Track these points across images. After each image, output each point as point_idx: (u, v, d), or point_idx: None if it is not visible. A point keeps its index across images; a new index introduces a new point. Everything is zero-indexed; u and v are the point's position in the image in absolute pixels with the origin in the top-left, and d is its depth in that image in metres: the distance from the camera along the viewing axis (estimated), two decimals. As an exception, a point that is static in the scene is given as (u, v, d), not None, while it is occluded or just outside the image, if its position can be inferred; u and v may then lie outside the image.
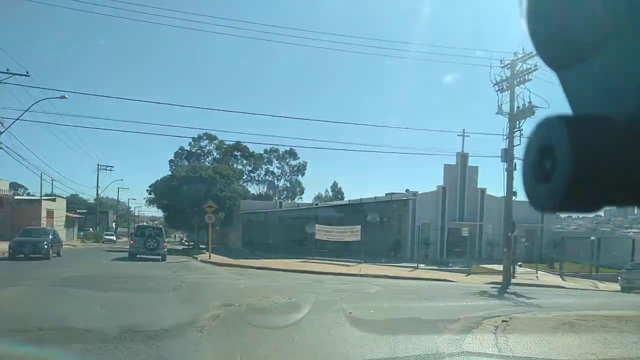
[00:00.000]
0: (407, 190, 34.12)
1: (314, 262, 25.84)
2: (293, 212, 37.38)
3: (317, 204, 45.75)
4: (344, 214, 31.79)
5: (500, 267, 29.98)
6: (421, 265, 26.93)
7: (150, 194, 39.47)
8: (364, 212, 31.59)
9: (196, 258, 28.24)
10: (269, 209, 38.46)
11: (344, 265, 24.94)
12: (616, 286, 26.57)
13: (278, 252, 31.04)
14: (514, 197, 24.37)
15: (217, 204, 36.23)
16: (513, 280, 23.45)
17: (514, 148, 24.21)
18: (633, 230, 43.43)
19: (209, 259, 25.70)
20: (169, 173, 39.38)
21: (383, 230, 32.60)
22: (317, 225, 27.59)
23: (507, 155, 24.21)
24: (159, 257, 24.76)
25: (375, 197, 35.91)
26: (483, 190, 35.86)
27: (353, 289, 15.19)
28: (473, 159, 37.23)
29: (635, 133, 0.49)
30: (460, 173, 35.12)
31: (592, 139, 0.50)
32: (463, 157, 35.41)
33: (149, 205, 43.70)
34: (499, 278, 24.08)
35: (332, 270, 21.92)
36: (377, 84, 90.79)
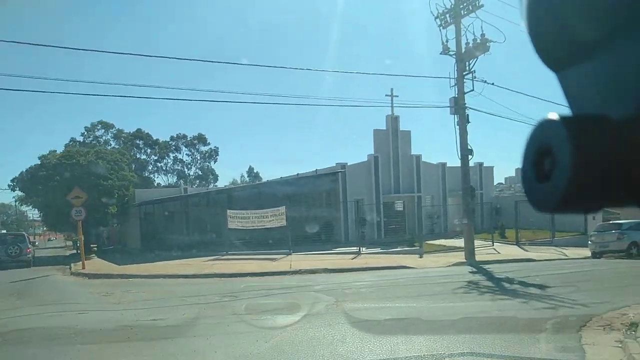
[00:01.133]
0: (336, 164, 28.63)
1: (228, 260, 19.57)
2: (201, 198, 30.28)
3: (231, 187, 38.81)
4: (263, 196, 25.60)
5: (448, 242, 25.84)
6: (362, 249, 21.61)
7: (13, 189, 30.91)
8: (286, 192, 25.63)
9: (70, 268, 20.78)
10: (171, 197, 30.92)
11: (268, 259, 18.94)
12: (584, 251, 23.08)
13: (186, 250, 24.21)
14: (469, 158, 19.61)
15: (104, 194, 28.66)
16: (477, 258, 18.84)
17: (466, 95, 19.42)
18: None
19: (83, 269, 18.52)
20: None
21: (311, 212, 26.94)
22: (229, 211, 21.22)
23: (457, 105, 19.33)
24: (24, 263, 23.10)
25: (298, 174, 30.09)
26: (418, 157, 31.32)
27: (286, 305, 9.26)
28: (408, 121, 32.37)
29: (636, 133, 0.49)
30: (392, 139, 30.24)
31: (592, 139, 0.49)
32: (394, 120, 30.49)
33: (20, 204, 34.77)
34: (458, 256, 19.39)
35: (252, 270, 15.83)
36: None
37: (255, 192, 27.46)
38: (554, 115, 0.52)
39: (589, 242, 21.62)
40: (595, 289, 10.60)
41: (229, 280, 13.93)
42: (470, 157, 19.53)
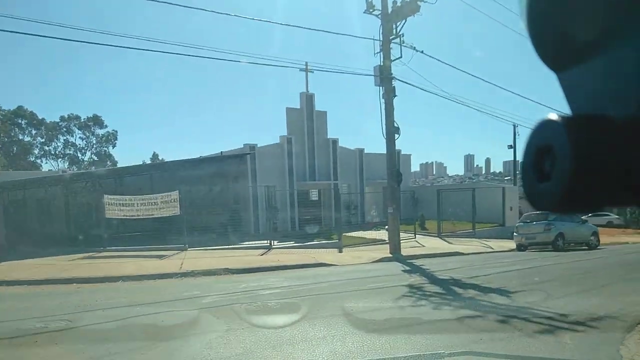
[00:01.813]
0: (244, 146, 25.03)
1: (104, 258, 15.43)
2: (84, 182, 25.08)
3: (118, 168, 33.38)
4: (162, 181, 21.31)
5: (367, 234, 23.43)
6: (274, 242, 18.41)
7: None
8: (187, 176, 21.65)
9: None
10: (39, 178, 25.16)
11: (155, 257, 15.10)
12: (506, 243, 21.69)
13: (59, 245, 19.39)
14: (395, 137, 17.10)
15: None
16: (402, 252, 16.45)
17: (393, 64, 16.85)
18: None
19: None
20: None
21: (215, 199, 23.19)
22: (106, 196, 16.85)
23: (382, 75, 16.70)
24: None
25: (200, 156, 26.10)
26: (335, 142, 28.66)
27: (131, 350, 5.73)
28: (324, 103, 29.45)
29: (636, 133, 0.49)
30: (307, 120, 27.26)
31: (592, 138, 0.50)
32: (309, 98, 27.49)
33: None
34: (382, 250, 16.88)
35: (128, 272, 11.97)
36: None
37: (146, 175, 22.99)
38: (554, 115, 0.52)
39: (515, 233, 20.20)
40: (573, 291, 8.31)
41: (90, 289, 10.07)
42: (397, 135, 17.02)
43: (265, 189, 22.24)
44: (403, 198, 29.74)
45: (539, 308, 6.99)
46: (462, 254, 17.60)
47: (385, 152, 17.04)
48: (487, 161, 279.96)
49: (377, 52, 16.88)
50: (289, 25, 45.05)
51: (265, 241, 18.31)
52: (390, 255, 15.79)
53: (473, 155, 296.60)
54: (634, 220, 39.91)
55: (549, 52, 0.59)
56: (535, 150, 0.54)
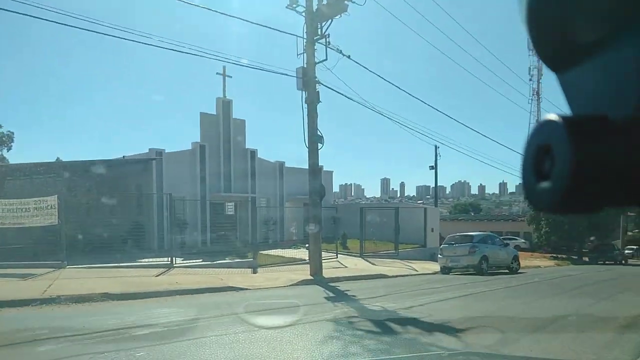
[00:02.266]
0: (150, 150, 22.14)
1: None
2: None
3: None
4: (34, 184, 17.83)
5: (286, 253, 21.32)
6: (178, 260, 15.82)
7: None
8: (78, 181, 18.43)
9: None
10: None
11: (19, 276, 11.98)
12: (430, 265, 20.64)
13: None
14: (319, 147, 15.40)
15: None
16: (324, 274, 14.64)
17: (318, 67, 15.24)
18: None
19: None
20: None
21: (113, 209, 20.08)
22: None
23: (306, 77, 15.03)
24: None
25: (96, 160, 22.78)
26: (254, 152, 26.53)
27: None
28: (242, 112, 27.21)
29: (636, 133, 0.49)
30: (224, 127, 24.94)
31: (592, 139, 0.49)
32: (225, 104, 25.20)
33: None
34: (302, 272, 14.95)
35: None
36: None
37: (29, 181, 19.37)
38: (553, 115, 0.51)
39: (439, 255, 19.17)
40: (528, 328, 6.79)
41: None
42: (320, 145, 15.33)
43: (167, 198, 19.40)
44: (325, 216, 28.24)
45: (501, 354, 5.35)
46: (387, 276, 16.13)
47: (307, 166, 15.31)
48: (402, 185, 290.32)
49: (300, 53, 15.19)
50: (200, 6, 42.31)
51: (167, 259, 15.65)
52: (311, 278, 13.88)
53: (389, 179, 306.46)
54: (539, 245, 41.25)
55: (549, 52, 0.58)
56: (535, 150, 0.53)
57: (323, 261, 15.45)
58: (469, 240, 18.79)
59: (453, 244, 18.87)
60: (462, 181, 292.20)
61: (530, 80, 71.62)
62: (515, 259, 20.45)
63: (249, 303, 9.22)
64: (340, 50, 15.35)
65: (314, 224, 14.15)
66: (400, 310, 8.39)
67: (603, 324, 7.41)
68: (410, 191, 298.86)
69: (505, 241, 21.88)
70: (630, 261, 41.62)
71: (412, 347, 5.76)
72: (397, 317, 7.80)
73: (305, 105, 15.00)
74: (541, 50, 0.59)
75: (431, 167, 31.78)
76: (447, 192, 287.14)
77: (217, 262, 16.73)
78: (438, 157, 31.46)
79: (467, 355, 2.58)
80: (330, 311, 8.36)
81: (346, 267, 18.00)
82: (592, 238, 37.61)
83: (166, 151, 22.23)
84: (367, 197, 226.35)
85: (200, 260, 17.12)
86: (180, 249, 18.18)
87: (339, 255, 20.61)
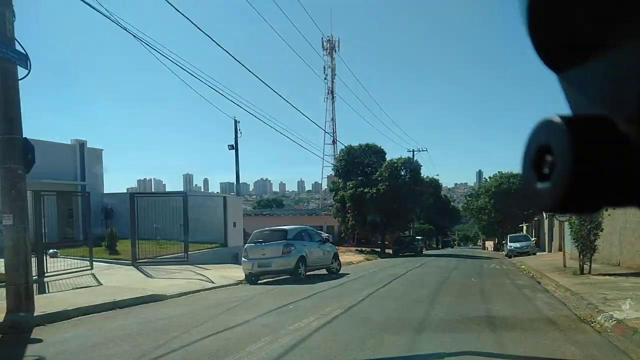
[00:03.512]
0: None
1: None
2: None
3: None
4: None
5: None
6: None
7: None
8: None
9: None
10: None
11: None
12: (232, 272, 15.22)
13: None
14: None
15: None
16: (39, 310, 8.03)
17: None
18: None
19: None
20: None
21: None
22: None
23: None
24: None
25: None
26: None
27: None
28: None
29: (636, 134, 0.50)
30: None
31: (593, 139, 0.50)
32: None
33: None
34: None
35: None
36: None
37: None
38: (553, 115, 0.52)
39: (243, 259, 13.89)
40: None
41: None
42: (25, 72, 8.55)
43: None
44: (94, 208, 20.48)
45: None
46: (165, 297, 10.20)
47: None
48: (206, 181, 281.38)
49: None
50: None
51: None
52: (1, 319, 7.13)
53: (192, 175, 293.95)
54: (344, 238, 39.65)
55: (549, 52, 0.57)
56: (535, 150, 0.53)
57: (68, 277, 8.67)
58: (283, 236, 13.98)
59: (261, 242, 13.82)
60: (264, 179, 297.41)
61: (325, 79, 72.61)
62: (336, 257, 16.49)
63: None
64: None
65: (9, 214, 7.33)
66: None
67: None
68: (214, 187, 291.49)
69: (324, 235, 17.90)
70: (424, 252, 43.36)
71: None
72: None
73: None
74: (541, 50, 0.57)
75: (231, 147, 26.29)
76: (251, 189, 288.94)
77: None
78: (239, 134, 26.20)
79: (467, 355, 2.38)
80: None
81: (100, 284, 11.37)
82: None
83: None
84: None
85: None
86: None
87: (97, 264, 13.72)
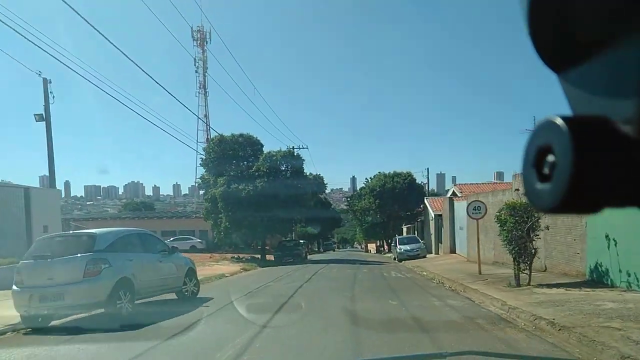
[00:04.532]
0: None
1: None
2: None
3: None
4: None
5: None
6: None
7: None
8: None
9: None
10: None
11: None
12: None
13: None
14: None
15: None
16: None
17: None
18: None
19: None
20: None
21: None
22: None
23: None
24: None
25: None
26: None
27: None
28: None
29: (636, 134, 0.49)
30: None
31: (593, 140, 0.49)
32: None
33: None
34: None
35: None
36: None
37: None
38: (554, 116, 0.51)
39: (15, 287, 7.78)
40: None
41: None
42: None
43: None
44: None
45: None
46: None
47: None
48: (67, 184, 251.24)
49: None
50: None
51: None
52: None
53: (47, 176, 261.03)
54: (219, 245, 33.74)
55: (550, 52, 0.57)
56: (536, 151, 0.53)
57: None
58: (87, 245, 8.11)
59: (48, 257, 7.84)
60: (136, 182, 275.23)
61: (197, 72, 65.94)
62: (192, 274, 10.97)
63: None
64: None
65: None
66: None
67: None
68: (78, 191, 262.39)
69: (171, 244, 12.24)
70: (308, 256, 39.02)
71: None
72: None
73: None
74: (541, 50, 0.57)
75: (39, 117, 18.67)
76: (120, 192, 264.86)
77: None
78: (51, 99, 18.79)
79: (467, 355, 2.35)
80: None
81: None
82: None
83: None
84: None
85: None
86: None
87: None
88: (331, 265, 23.05)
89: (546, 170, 0.51)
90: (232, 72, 32.93)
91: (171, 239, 41.74)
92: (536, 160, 0.52)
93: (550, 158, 0.50)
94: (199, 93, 64.16)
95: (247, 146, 28.48)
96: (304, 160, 28.82)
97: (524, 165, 0.54)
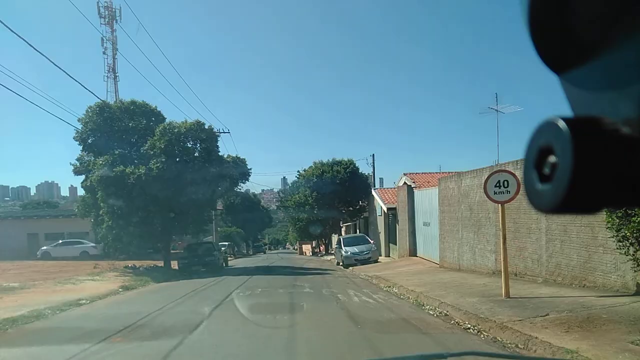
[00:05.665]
0: None
1: None
2: None
3: None
4: None
5: None
6: None
7: None
8: None
9: None
10: None
11: None
12: None
13: None
14: None
15: None
16: None
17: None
18: None
19: None
20: None
21: None
22: None
23: None
24: None
25: None
26: None
27: None
28: None
29: (637, 134, 0.50)
30: None
31: (594, 140, 0.49)
32: None
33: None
34: None
35: None
36: None
37: None
38: (555, 117, 0.51)
39: None
40: None
41: None
42: None
43: None
44: None
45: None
46: None
47: None
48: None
49: None
50: None
51: None
52: None
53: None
54: (114, 249, 25.14)
55: (550, 53, 0.57)
56: (537, 151, 0.52)
57: None
58: None
59: None
60: (50, 182, 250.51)
61: (104, 54, 56.26)
62: None
63: None
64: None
65: None
66: None
67: None
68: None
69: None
70: (230, 262, 31.32)
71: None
72: None
73: None
74: (542, 51, 0.56)
75: None
76: (32, 193, 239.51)
77: None
78: None
79: (468, 355, 2.24)
80: None
81: None
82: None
83: None
84: None
85: None
86: None
87: None
88: (256, 278, 15.78)
89: (547, 171, 0.50)
90: (151, 54, 24.87)
91: (54, 244, 32.34)
92: (537, 160, 0.51)
93: (551, 159, 0.49)
94: (107, 77, 54.33)
95: (141, 116, 20.51)
96: (218, 135, 21.19)
97: (525, 166, 0.53)
